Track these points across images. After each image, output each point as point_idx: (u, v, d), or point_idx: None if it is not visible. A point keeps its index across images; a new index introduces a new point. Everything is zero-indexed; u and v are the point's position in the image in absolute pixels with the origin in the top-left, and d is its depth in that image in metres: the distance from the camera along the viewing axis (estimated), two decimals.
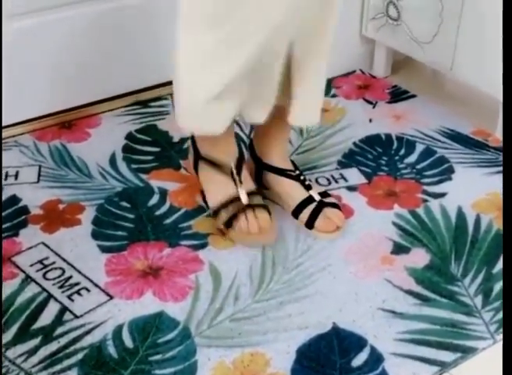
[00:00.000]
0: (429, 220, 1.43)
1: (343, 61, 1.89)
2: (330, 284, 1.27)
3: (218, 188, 1.37)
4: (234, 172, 1.36)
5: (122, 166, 1.57)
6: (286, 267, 1.32)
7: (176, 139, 1.65)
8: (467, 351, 1.17)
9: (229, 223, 1.34)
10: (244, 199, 1.34)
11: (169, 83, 1.81)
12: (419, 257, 1.35)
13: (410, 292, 1.27)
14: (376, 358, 1.15)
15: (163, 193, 1.49)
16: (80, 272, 1.29)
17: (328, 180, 1.54)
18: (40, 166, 1.55)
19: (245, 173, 1.38)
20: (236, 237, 1.35)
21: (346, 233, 1.39)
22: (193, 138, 1.43)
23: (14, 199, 1.45)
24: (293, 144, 1.64)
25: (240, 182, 1.36)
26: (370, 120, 1.73)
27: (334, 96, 1.83)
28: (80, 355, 1.14)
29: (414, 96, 1.84)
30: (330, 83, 1.87)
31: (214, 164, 1.37)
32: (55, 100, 1.68)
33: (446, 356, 1.15)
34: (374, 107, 1.79)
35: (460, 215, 1.44)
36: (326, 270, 1.31)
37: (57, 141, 1.63)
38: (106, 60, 1.70)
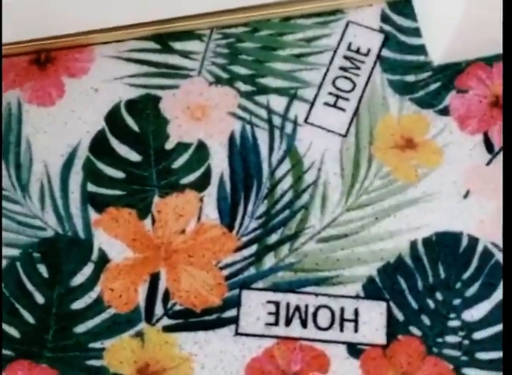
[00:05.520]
0: None
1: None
2: None
3: None
4: None
5: (76, 181, 1.11)
6: None
7: (171, 144, 1.13)
8: None
9: None
10: None
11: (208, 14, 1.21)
12: None
13: None
14: None
15: (101, 262, 1.06)
16: None
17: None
18: None
19: None
20: None
21: None
22: None
23: None
24: (318, 217, 1.09)
25: None
26: (466, 194, 1.11)
27: (444, 112, 1.15)
28: None
29: None
30: (454, 76, 1.18)
31: None
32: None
33: None
34: (491, 161, 1.13)
35: None
36: None
37: (16, 92, 1.16)
38: None
